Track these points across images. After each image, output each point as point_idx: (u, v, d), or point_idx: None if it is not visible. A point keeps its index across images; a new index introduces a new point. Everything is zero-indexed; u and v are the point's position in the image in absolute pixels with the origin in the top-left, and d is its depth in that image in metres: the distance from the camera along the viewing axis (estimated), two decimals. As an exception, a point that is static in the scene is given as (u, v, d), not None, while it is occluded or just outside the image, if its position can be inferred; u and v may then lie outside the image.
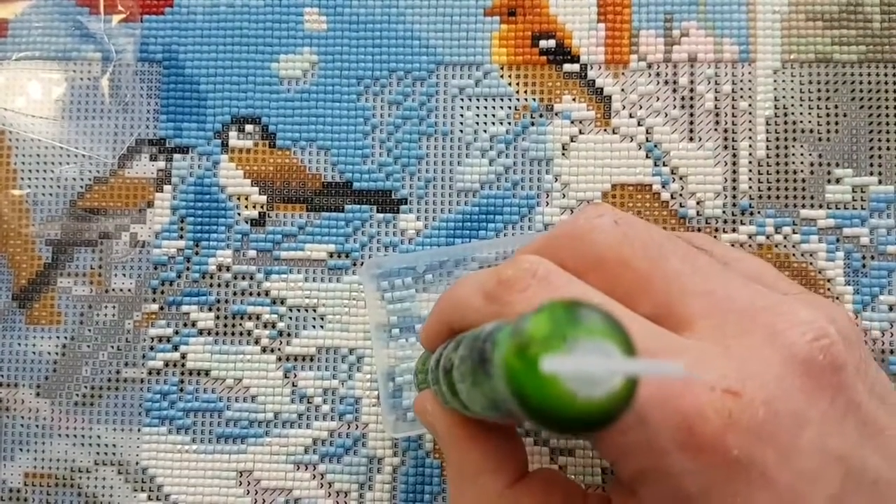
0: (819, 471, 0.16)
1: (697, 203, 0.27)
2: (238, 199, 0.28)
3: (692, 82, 0.27)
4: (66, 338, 0.27)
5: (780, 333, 0.17)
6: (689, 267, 0.18)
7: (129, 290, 0.27)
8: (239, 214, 0.27)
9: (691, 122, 0.27)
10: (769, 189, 0.26)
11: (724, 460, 0.15)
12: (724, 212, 0.26)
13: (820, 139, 0.27)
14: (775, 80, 0.27)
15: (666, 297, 0.18)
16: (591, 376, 0.11)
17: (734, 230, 0.26)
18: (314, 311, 0.27)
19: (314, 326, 0.27)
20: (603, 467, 0.26)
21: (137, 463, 0.27)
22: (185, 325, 0.27)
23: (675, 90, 0.27)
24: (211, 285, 0.27)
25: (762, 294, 0.18)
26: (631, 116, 0.27)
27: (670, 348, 0.16)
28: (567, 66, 0.27)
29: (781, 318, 0.17)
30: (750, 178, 0.27)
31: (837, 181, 0.26)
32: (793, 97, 0.27)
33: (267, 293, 0.27)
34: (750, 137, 0.27)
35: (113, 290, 0.27)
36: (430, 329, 0.21)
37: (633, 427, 0.16)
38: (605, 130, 0.27)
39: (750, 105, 0.27)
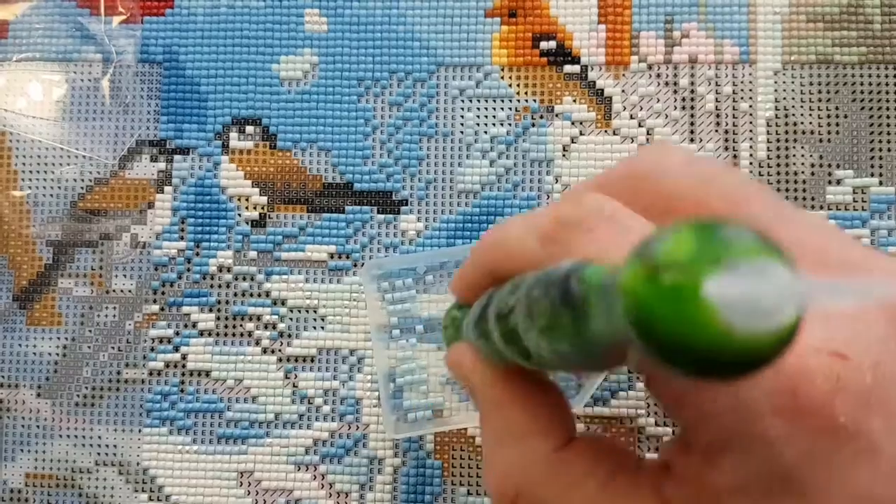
0: None
1: (698, 204, 0.27)
2: (239, 200, 0.28)
3: (693, 83, 0.27)
4: (66, 339, 0.27)
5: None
6: (772, 212, 0.16)
7: (130, 291, 0.27)
8: (239, 215, 0.27)
9: (692, 124, 0.27)
10: (770, 190, 0.26)
11: (831, 427, 0.14)
12: (724, 213, 0.26)
13: (821, 140, 0.27)
14: (776, 82, 0.27)
15: None
16: (759, 305, 0.09)
17: (734, 231, 0.26)
18: (315, 311, 0.27)
19: (315, 327, 0.27)
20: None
21: (138, 463, 0.27)
22: (185, 325, 0.27)
23: (675, 91, 0.27)
24: (211, 286, 0.27)
25: (851, 245, 0.17)
26: (632, 118, 0.27)
27: None
28: (568, 68, 0.27)
29: (880, 273, 0.16)
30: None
31: (838, 182, 0.26)
32: (793, 98, 0.27)
33: (268, 294, 0.27)
34: (751, 139, 0.27)
35: (113, 290, 0.28)
36: (467, 277, 0.19)
37: (724, 391, 0.14)
38: (605, 132, 0.27)
39: (750, 106, 0.27)
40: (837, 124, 0.26)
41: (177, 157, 0.28)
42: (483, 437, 0.18)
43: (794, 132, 0.27)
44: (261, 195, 0.28)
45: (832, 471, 0.14)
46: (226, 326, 0.27)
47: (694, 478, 0.16)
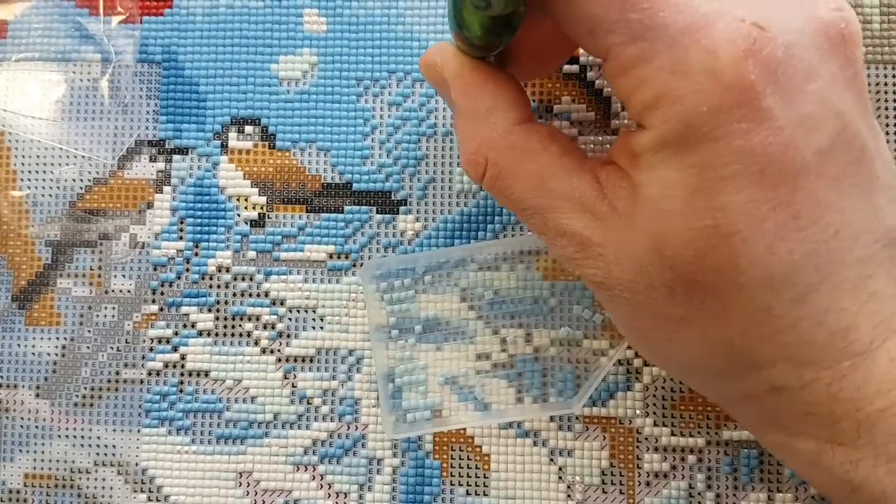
0: (817, 119, 0.17)
1: (697, 204, 0.27)
2: (238, 200, 0.28)
3: (692, 83, 0.27)
4: (65, 339, 0.27)
5: (817, 2, 0.18)
6: None
7: (129, 291, 0.27)
8: (238, 215, 0.27)
9: (691, 124, 0.27)
10: (769, 190, 0.26)
11: (740, 83, 0.16)
12: (723, 213, 0.26)
13: (819, 140, 0.26)
14: (775, 82, 0.27)
15: None
16: None
17: (734, 231, 0.26)
18: (314, 311, 0.27)
19: (314, 327, 0.27)
20: (602, 468, 0.26)
21: (137, 464, 0.27)
22: (184, 326, 0.27)
23: (674, 91, 0.27)
24: (210, 286, 0.27)
25: None
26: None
27: None
28: (566, 68, 0.27)
29: None
30: (749, 180, 0.27)
31: (837, 182, 0.26)
32: (792, 98, 0.27)
33: (266, 294, 0.27)
34: (749, 138, 0.27)
35: (112, 291, 0.27)
36: None
37: (662, 51, 0.17)
38: (604, 132, 0.27)
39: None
40: (836, 124, 0.26)
41: (176, 157, 0.28)
42: (456, 125, 0.21)
43: (794, 132, 0.27)
44: (260, 195, 0.28)
45: (732, 125, 0.16)
46: (225, 326, 0.27)
47: (628, 150, 0.19)
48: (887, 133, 0.26)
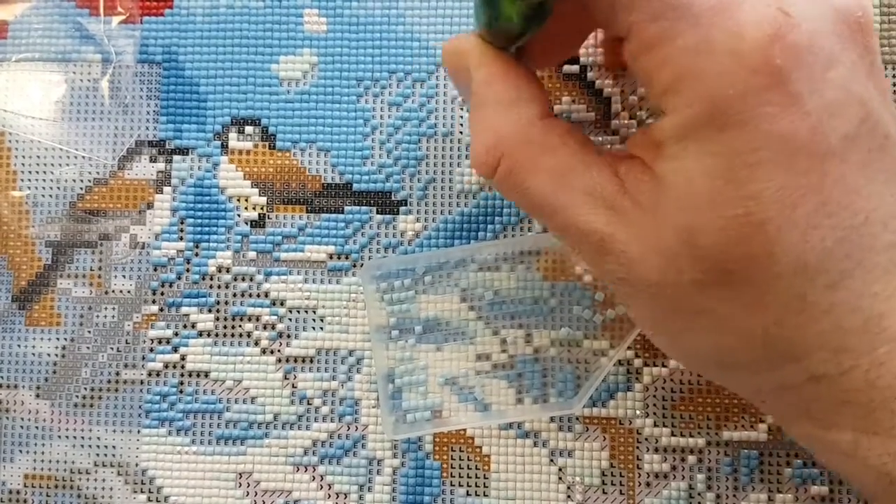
0: (841, 105, 0.17)
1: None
2: (238, 200, 0.28)
3: (692, 84, 0.27)
4: (65, 339, 0.27)
5: None
6: None
7: (129, 292, 0.27)
8: (239, 216, 0.27)
9: (691, 124, 0.27)
10: (769, 191, 0.26)
11: (766, 67, 0.16)
12: (723, 213, 0.26)
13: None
14: (775, 82, 0.27)
15: None
16: None
17: (734, 232, 0.26)
18: (314, 312, 0.27)
19: (314, 328, 0.27)
20: (602, 469, 0.26)
21: (137, 464, 0.27)
22: (184, 326, 0.27)
23: (674, 92, 0.27)
24: (211, 287, 0.27)
25: None
26: (631, 118, 0.27)
27: None
28: (567, 68, 0.27)
29: None
30: (750, 180, 0.27)
31: (837, 183, 0.26)
32: (793, 99, 0.27)
33: (267, 294, 0.27)
34: (750, 139, 0.27)
35: (113, 291, 0.27)
36: None
37: (685, 30, 0.17)
38: (605, 132, 0.27)
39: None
40: (837, 125, 0.26)
41: (176, 157, 0.28)
42: (472, 117, 0.21)
43: (794, 132, 0.27)
44: (260, 195, 0.28)
45: (759, 110, 0.16)
46: (225, 327, 0.27)
47: (649, 141, 0.18)
48: (888, 133, 0.26)
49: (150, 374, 0.27)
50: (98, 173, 0.28)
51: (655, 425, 0.26)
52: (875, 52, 0.18)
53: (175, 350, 0.27)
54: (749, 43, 0.16)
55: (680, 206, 0.17)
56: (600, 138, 0.27)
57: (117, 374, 0.27)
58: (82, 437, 0.27)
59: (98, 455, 0.27)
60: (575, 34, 0.23)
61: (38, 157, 0.28)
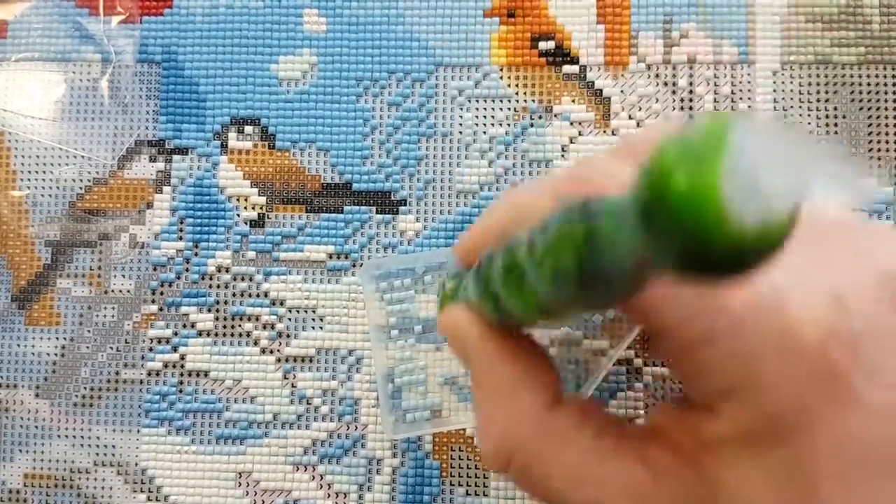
0: None
1: (697, 204, 0.27)
2: (237, 200, 0.28)
3: (691, 84, 0.27)
4: (65, 339, 0.27)
5: (872, 252, 0.16)
6: None
7: (129, 292, 0.27)
8: (238, 215, 0.27)
9: (690, 124, 0.27)
10: (768, 190, 0.26)
11: (826, 371, 0.15)
12: (723, 213, 0.26)
13: (819, 140, 0.26)
14: (775, 82, 0.27)
15: None
16: (764, 187, 0.10)
17: (733, 232, 0.26)
18: (313, 312, 0.27)
19: (313, 327, 0.27)
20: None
21: (137, 464, 0.27)
22: (184, 326, 0.27)
23: (674, 92, 0.27)
24: (210, 286, 0.27)
25: (847, 212, 0.18)
26: (630, 118, 0.27)
27: None
28: (566, 68, 0.27)
29: (871, 236, 0.17)
30: (749, 180, 0.27)
31: (837, 183, 0.26)
32: (792, 99, 0.27)
33: (266, 294, 0.27)
34: (749, 139, 0.27)
35: (112, 291, 0.27)
36: (476, 240, 0.19)
37: (726, 336, 0.15)
38: (604, 132, 0.27)
39: (749, 106, 0.27)
40: (836, 125, 0.26)
41: (175, 157, 0.28)
42: (476, 399, 0.19)
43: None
44: (259, 195, 0.28)
45: (821, 414, 0.15)
46: (224, 327, 0.27)
47: (691, 432, 0.17)
48: (886, 134, 0.26)
49: (149, 374, 0.27)
50: (98, 173, 0.28)
51: (655, 425, 0.26)
52: None
53: (174, 350, 0.27)
54: (802, 346, 0.14)
55: None
56: (600, 138, 0.27)
57: (117, 373, 0.27)
58: (82, 437, 0.27)
59: (98, 454, 0.27)
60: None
61: (38, 156, 0.28)
